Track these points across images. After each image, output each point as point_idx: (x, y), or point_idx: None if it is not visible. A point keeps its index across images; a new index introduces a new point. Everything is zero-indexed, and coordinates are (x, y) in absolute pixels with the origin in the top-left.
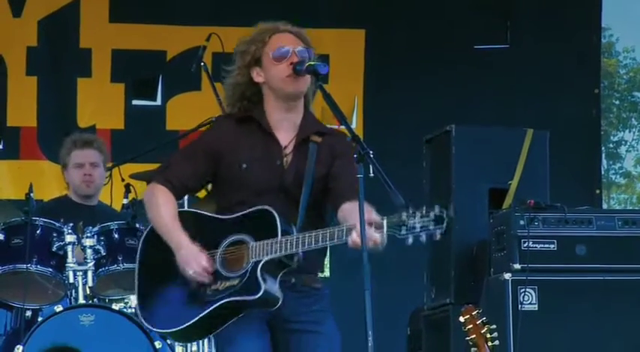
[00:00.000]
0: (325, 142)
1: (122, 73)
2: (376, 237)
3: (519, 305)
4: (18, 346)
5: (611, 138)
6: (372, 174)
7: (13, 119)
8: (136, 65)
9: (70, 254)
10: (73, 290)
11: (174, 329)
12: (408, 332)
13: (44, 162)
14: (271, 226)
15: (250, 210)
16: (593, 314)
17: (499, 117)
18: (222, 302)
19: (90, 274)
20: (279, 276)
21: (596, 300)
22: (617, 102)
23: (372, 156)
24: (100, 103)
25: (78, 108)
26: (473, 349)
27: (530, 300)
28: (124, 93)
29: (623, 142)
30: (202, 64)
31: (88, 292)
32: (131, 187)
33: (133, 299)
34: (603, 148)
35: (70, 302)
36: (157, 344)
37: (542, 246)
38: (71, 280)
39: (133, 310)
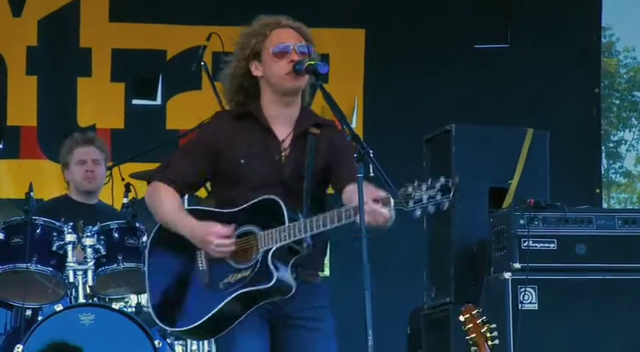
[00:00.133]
0: (323, 134)
1: (122, 73)
2: (385, 212)
3: (519, 305)
4: (18, 345)
5: (612, 137)
6: (372, 174)
7: (13, 118)
8: (136, 64)
9: (70, 253)
10: (73, 290)
11: (189, 327)
12: (408, 332)
13: (44, 162)
14: (277, 214)
15: (254, 200)
16: (592, 313)
17: (499, 116)
18: (236, 293)
19: (90, 273)
20: (291, 264)
21: (596, 299)
22: (618, 101)
23: (372, 155)
24: (100, 103)
25: (78, 108)
26: (473, 348)
27: (530, 299)
28: (124, 92)
29: (623, 142)
30: (202, 63)
31: (88, 291)
32: (131, 186)
33: (132, 299)
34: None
35: (70, 302)
36: (157, 343)
37: (542, 245)
38: (71, 279)
39: (133, 309)
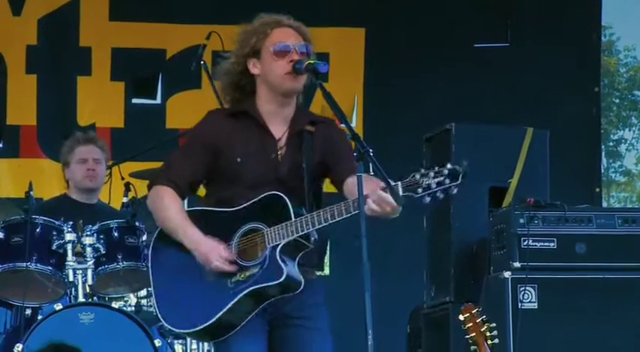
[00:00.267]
0: (319, 131)
1: (122, 72)
2: (393, 201)
3: (519, 304)
4: (18, 344)
5: (611, 136)
6: (372, 173)
7: (12, 117)
8: (135, 63)
9: (69, 252)
10: (73, 289)
11: (198, 328)
12: (408, 331)
13: (44, 161)
14: (282, 210)
15: (258, 197)
16: (592, 312)
17: (499, 115)
18: (246, 291)
19: (89, 272)
20: (297, 259)
21: (596, 299)
22: (618, 100)
23: (371, 154)
24: (99, 102)
25: (78, 107)
26: (472, 347)
27: (529, 299)
28: (124, 91)
29: (623, 141)
30: (202, 62)
31: (88, 290)
32: (131, 186)
33: (132, 298)
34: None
35: (70, 301)
36: (157, 342)
37: (542, 244)
38: (71, 278)
39: (133, 308)
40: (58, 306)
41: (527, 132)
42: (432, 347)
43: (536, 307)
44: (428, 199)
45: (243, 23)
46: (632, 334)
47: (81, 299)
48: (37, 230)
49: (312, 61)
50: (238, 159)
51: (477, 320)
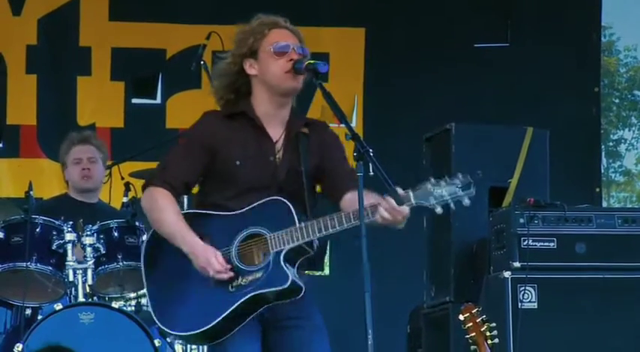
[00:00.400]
0: (312, 132)
1: (122, 72)
2: (405, 211)
3: (519, 304)
4: (18, 344)
5: (611, 136)
6: (371, 173)
7: (12, 117)
8: (135, 63)
9: (69, 252)
10: (73, 289)
11: (198, 330)
12: (408, 331)
13: (44, 161)
14: (285, 215)
15: (259, 202)
16: (592, 312)
17: (499, 115)
18: (248, 296)
19: (89, 272)
20: (297, 264)
21: (596, 298)
22: (617, 100)
23: (371, 154)
24: (99, 102)
25: (78, 107)
26: (472, 347)
27: (529, 298)
28: (124, 91)
29: (623, 141)
30: (202, 62)
31: (88, 290)
32: (131, 185)
33: (132, 298)
34: (603, 147)
35: (70, 301)
36: (157, 342)
37: (542, 244)
38: (71, 278)
39: (133, 308)
40: (58, 306)
41: (527, 132)
42: (432, 347)
43: (536, 307)
44: (440, 209)
45: (242, 23)
46: (632, 334)
47: (81, 299)
48: (37, 230)
49: (312, 61)
50: (237, 163)
51: (477, 320)
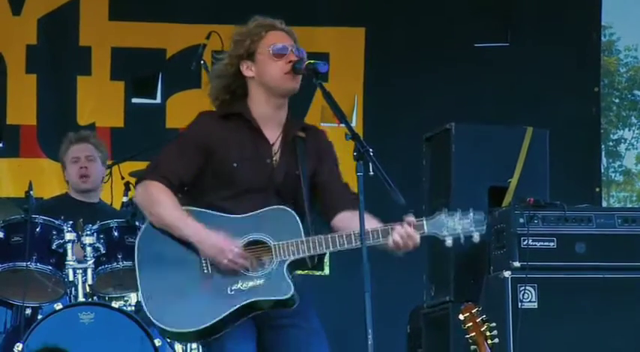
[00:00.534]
0: (309, 137)
1: (122, 71)
2: (417, 238)
3: (519, 303)
4: (18, 344)
5: (611, 136)
6: (371, 173)
7: (12, 117)
8: (135, 63)
9: (69, 252)
10: (73, 288)
11: (191, 329)
12: (408, 331)
13: (44, 160)
14: (290, 226)
15: (265, 209)
16: (592, 312)
17: (499, 115)
18: (248, 301)
19: (89, 272)
20: (292, 275)
21: (596, 298)
22: (617, 100)
23: (371, 154)
24: (99, 101)
25: (78, 107)
26: (472, 347)
27: (529, 298)
28: (124, 91)
29: (623, 140)
30: (202, 62)
31: (88, 290)
32: (131, 185)
33: (132, 297)
34: (603, 146)
35: (70, 300)
36: (157, 342)
37: (542, 243)
38: (71, 278)
39: (133, 308)
40: (58, 306)
41: (527, 132)
42: (432, 347)
43: (536, 307)
44: (450, 241)
45: (241, 24)
46: (632, 334)
47: (81, 298)
48: (37, 229)
49: (312, 61)
50: (234, 164)
51: (477, 320)
